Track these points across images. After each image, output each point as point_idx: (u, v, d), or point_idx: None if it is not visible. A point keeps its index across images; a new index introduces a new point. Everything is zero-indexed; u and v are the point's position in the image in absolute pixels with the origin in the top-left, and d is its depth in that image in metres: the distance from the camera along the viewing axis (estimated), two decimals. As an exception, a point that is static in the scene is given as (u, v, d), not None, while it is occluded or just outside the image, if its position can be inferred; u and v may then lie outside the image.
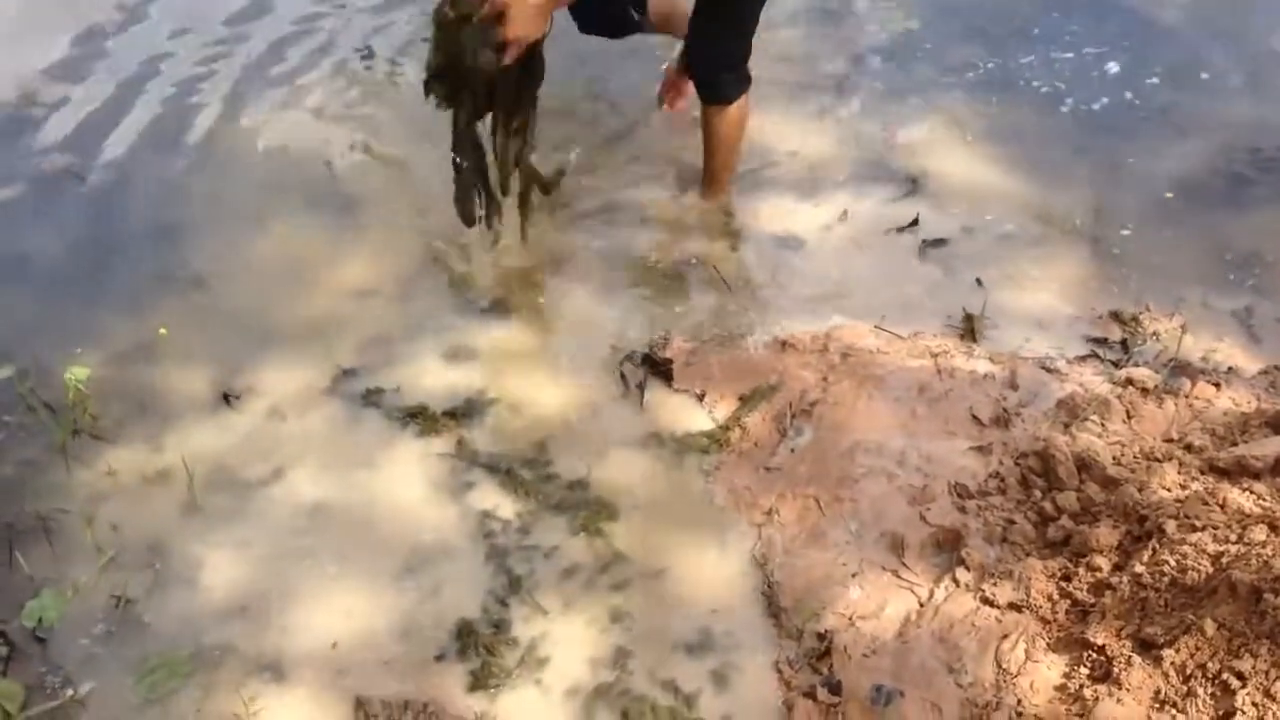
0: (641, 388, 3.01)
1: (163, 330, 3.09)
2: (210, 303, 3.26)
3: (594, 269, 3.40)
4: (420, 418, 2.90)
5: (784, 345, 3.17)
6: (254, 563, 2.57)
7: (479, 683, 2.34)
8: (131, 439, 2.85)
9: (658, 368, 3.07)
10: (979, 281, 3.34)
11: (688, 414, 2.96)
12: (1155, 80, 4.12)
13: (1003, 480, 2.69)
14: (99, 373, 2.93)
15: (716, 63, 3.32)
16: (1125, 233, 3.50)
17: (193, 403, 2.96)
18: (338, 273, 3.38)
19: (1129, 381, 2.94)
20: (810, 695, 2.29)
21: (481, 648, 2.39)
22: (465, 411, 2.92)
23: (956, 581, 2.46)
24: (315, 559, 2.58)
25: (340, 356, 3.07)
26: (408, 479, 2.78)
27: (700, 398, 3.00)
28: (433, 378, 3.03)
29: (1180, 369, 2.99)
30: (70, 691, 2.30)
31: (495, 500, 2.71)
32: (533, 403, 2.98)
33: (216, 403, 2.95)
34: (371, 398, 2.96)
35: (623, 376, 3.05)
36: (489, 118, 3.06)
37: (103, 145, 3.83)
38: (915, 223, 3.55)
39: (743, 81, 3.36)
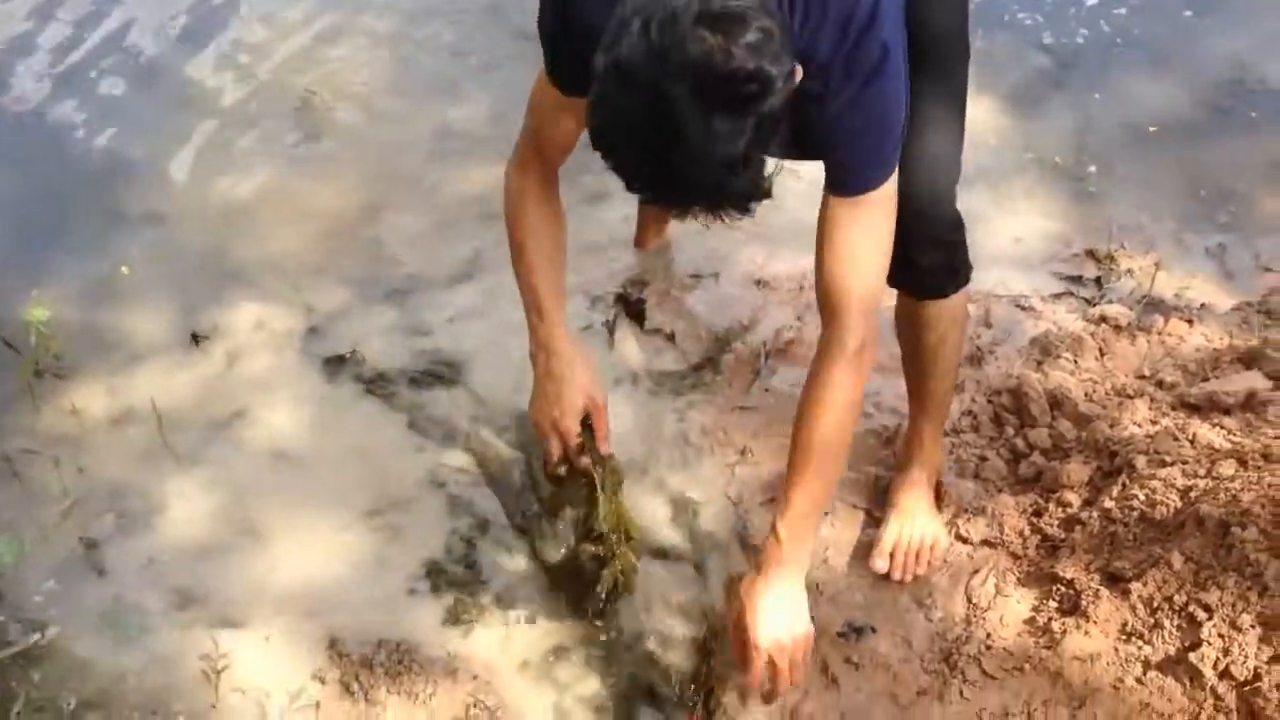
0: (610, 327, 2.99)
1: (124, 269, 3.05)
2: (171, 241, 3.21)
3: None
4: (385, 378, 2.86)
5: (759, 284, 3.15)
6: (221, 505, 2.55)
7: (451, 619, 2.34)
8: (96, 380, 2.81)
9: (630, 307, 3.05)
10: (954, 220, 3.31)
11: (660, 354, 2.94)
12: (1136, 13, 4.07)
13: (975, 418, 2.69)
14: (60, 313, 2.89)
15: (936, 224, 2.13)
16: (1103, 169, 3.48)
17: (158, 343, 2.92)
18: (305, 211, 3.33)
19: (1102, 319, 2.93)
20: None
21: (452, 586, 2.39)
22: (433, 359, 2.90)
23: (928, 518, 2.47)
24: (282, 501, 2.56)
25: (308, 297, 3.03)
26: (372, 426, 2.75)
27: (672, 338, 2.98)
28: (399, 327, 3.00)
29: (1153, 306, 2.99)
30: (36, 636, 2.29)
31: (460, 460, 2.68)
32: (501, 345, 2.95)
33: (183, 343, 2.92)
34: (337, 343, 2.93)
35: (594, 317, 3.03)
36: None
37: (56, 83, 3.75)
38: (892, 161, 3.51)
39: (968, 258, 2.25)
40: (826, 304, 1.87)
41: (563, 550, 2.20)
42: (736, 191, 1.49)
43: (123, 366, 2.86)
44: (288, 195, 3.39)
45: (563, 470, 2.08)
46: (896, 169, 1.81)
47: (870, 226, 1.81)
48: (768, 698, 2.08)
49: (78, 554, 2.44)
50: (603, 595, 2.22)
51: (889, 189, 1.81)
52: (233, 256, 3.17)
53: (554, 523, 2.19)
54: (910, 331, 2.32)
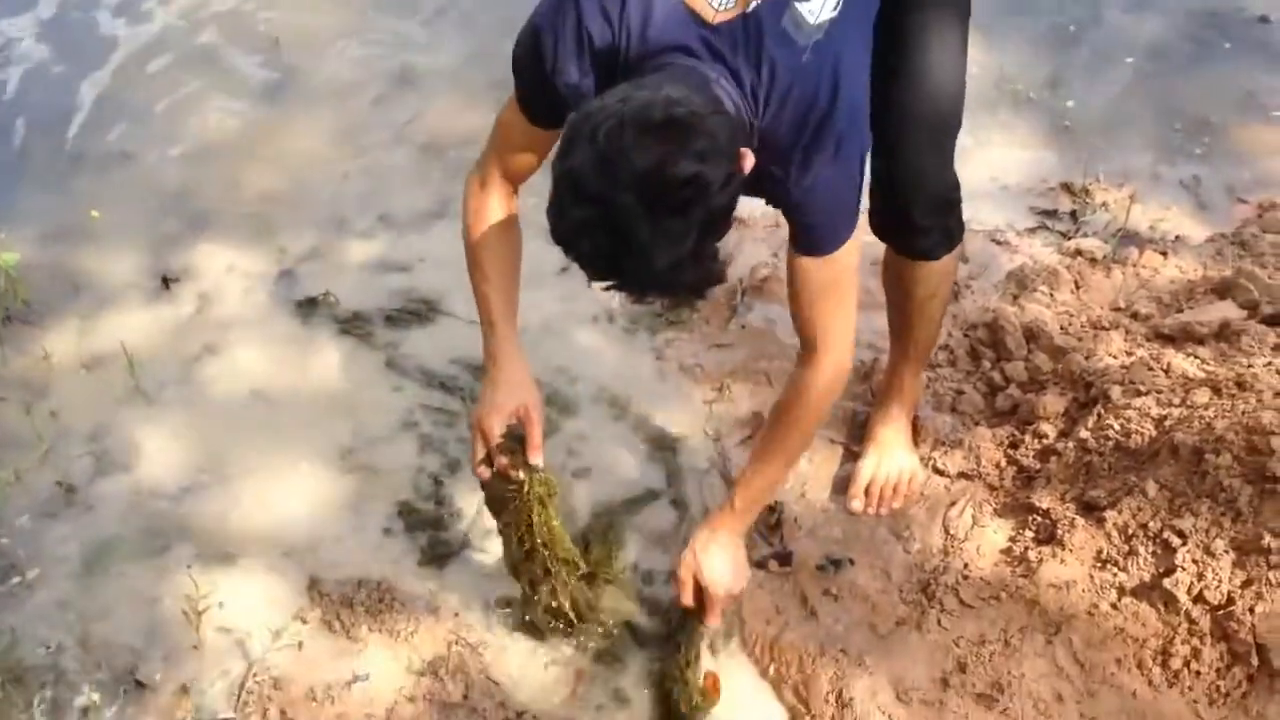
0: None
1: (94, 213, 3.01)
2: (139, 182, 3.17)
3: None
4: (360, 317, 2.83)
5: (735, 220, 3.13)
6: (197, 446, 2.54)
7: (426, 559, 2.34)
8: (67, 324, 2.79)
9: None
10: (929, 155, 3.30)
11: (637, 291, 2.93)
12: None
13: (952, 352, 2.70)
14: (29, 257, 2.86)
15: (935, 189, 2.16)
16: (1079, 103, 3.47)
17: (128, 286, 2.90)
18: (275, 152, 3.29)
19: (1078, 252, 2.94)
20: (761, 566, 2.31)
21: (426, 525, 2.39)
22: (409, 298, 2.88)
23: (905, 451, 2.48)
24: (258, 442, 2.56)
25: (280, 238, 3.00)
26: (349, 365, 2.74)
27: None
28: (370, 264, 2.97)
29: (1128, 239, 2.99)
30: (17, 578, 2.28)
31: (434, 392, 2.67)
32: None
33: (153, 286, 2.89)
34: (310, 285, 2.90)
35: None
36: None
37: (20, 24, 3.68)
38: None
39: (962, 219, 2.28)
40: (805, 343, 2.00)
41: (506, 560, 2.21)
42: (688, 284, 1.59)
43: (93, 310, 2.83)
44: (257, 136, 3.35)
45: (485, 472, 2.08)
46: (856, 227, 1.89)
47: (833, 281, 1.91)
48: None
49: (56, 497, 2.42)
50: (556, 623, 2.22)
51: (849, 246, 1.90)
52: (202, 197, 3.14)
53: (495, 524, 2.18)
54: (899, 286, 2.32)
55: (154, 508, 2.42)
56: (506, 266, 2.07)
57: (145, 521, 2.39)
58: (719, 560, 2.09)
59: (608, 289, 1.58)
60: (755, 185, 1.71)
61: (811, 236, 1.87)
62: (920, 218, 2.16)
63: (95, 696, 2.09)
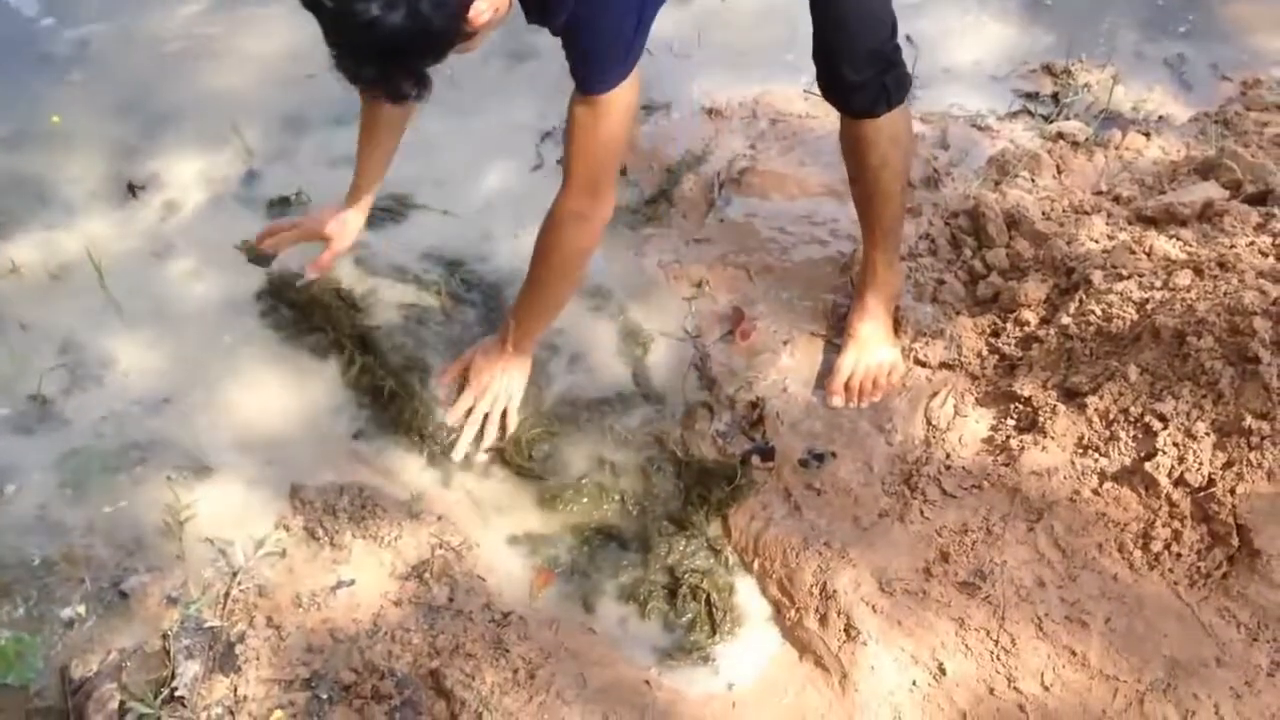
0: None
1: (55, 118, 2.93)
2: (102, 85, 3.08)
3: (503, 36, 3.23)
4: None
5: (710, 113, 3.08)
6: (170, 355, 2.51)
7: (411, 462, 2.34)
8: (33, 234, 2.73)
9: (580, 141, 2.97)
10: (909, 39, 3.22)
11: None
12: None
13: (933, 241, 2.67)
14: (-10, 167, 2.80)
15: (864, 44, 2.17)
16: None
17: (94, 194, 2.83)
18: (237, 50, 3.20)
19: (1059, 136, 2.90)
20: (744, 461, 2.31)
21: (411, 429, 2.37)
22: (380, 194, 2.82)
23: (886, 342, 2.46)
24: (231, 350, 2.52)
25: (246, 139, 2.93)
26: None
27: (624, 170, 2.91)
28: (337, 161, 2.89)
29: (1111, 120, 2.96)
30: (-4, 493, 2.27)
31: (413, 296, 2.63)
32: (449, 185, 2.88)
33: (119, 193, 2.83)
34: (278, 186, 2.84)
35: (545, 152, 2.96)
36: None
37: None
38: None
39: (903, 76, 2.24)
40: (563, 173, 2.13)
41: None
42: (400, 35, 1.65)
43: (60, 220, 2.77)
44: (218, 34, 3.25)
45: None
46: (629, 80, 1.98)
47: (591, 122, 2.01)
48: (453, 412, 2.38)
49: (31, 411, 2.39)
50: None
51: (622, 98, 1.99)
52: (165, 100, 3.06)
53: None
54: (852, 153, 2.32)
55: (130, 419, 2.39)
56: (390, 135, 2.36)
57: (122, 433, 2.37)
58: (492, 369, 2.35)
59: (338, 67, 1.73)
60: (540, 13, 1.91)
61: (576, 73, 1.98)
62: (851, 72, 2.17)
63: (81, 609, 2.09)
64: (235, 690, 1.95)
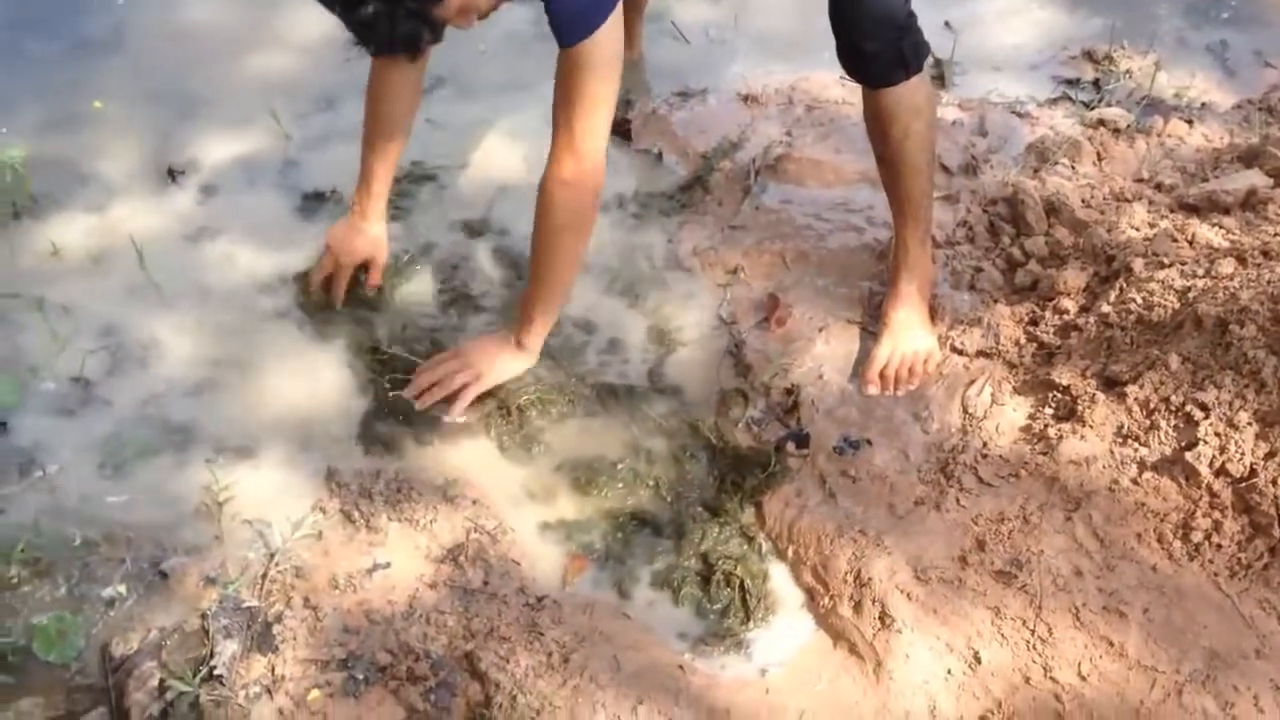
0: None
1: (97, 104, 2.95)
2: (142, 70, 3.10)
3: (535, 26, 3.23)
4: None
5: (746, 99, 3.07)
6: (210, 339, 2.53)
7: (446, 447, 2.35)
8: (75, 219, 2.75)
9: (615, 127, 2.95)
10: (947, 25, 3.21)
11: (648, 174, 2.88)
12: None
13: (971, 229, 2.65)
14: (33, 150, 2.82)
15: (878, 13, 2.18)
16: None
17: (134, 178, 2.86)
18: (272, 34, 3.22)
19: (1100, 122, 2.87)
20: (779, 449, 2.30)
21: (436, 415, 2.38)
22: (412, 179, 2.84)
23: (923, 330, 2.45)
24: (269, 335, 2.54)
25: (284, 124, 2.95)
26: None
27: (659, 156, 2.91)
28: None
29: (1153, 107, 2.92)
30: (39, 473, 2.29)
31: (444, 273, 2.65)
32: (481, 168, 2.89)
33: (159, 178, 2.85)
34: (315, 173, 2.86)
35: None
36: None
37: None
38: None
39: (920, 44, 2.23)
40: (551, 140, 2.11)
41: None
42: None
43: (101, 203, 2.80)
44: (256, 18, 3.27)
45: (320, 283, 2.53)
46: (610, 32, 1.99)
47: (576, 76, 2.01)
48: (414, 393, 2.37)
49: (73, 393, 2.42)
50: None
51: (602, 48, 1.99)
52: (205, 85, 3.08)
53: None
54: (875, 127, 2.32)
55: (170, 401, 2.41)
56: (395, 125, 2.39)
57: (162, 415, 2.39)
58: (481, 346, 2.35)
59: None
60: None
61: (553, 25, 1.99)
62: (865, 41, 2.19)
63: (121, 588, 2.11)
64: (273, 669, 1.96)
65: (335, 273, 2.52)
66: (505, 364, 2.35)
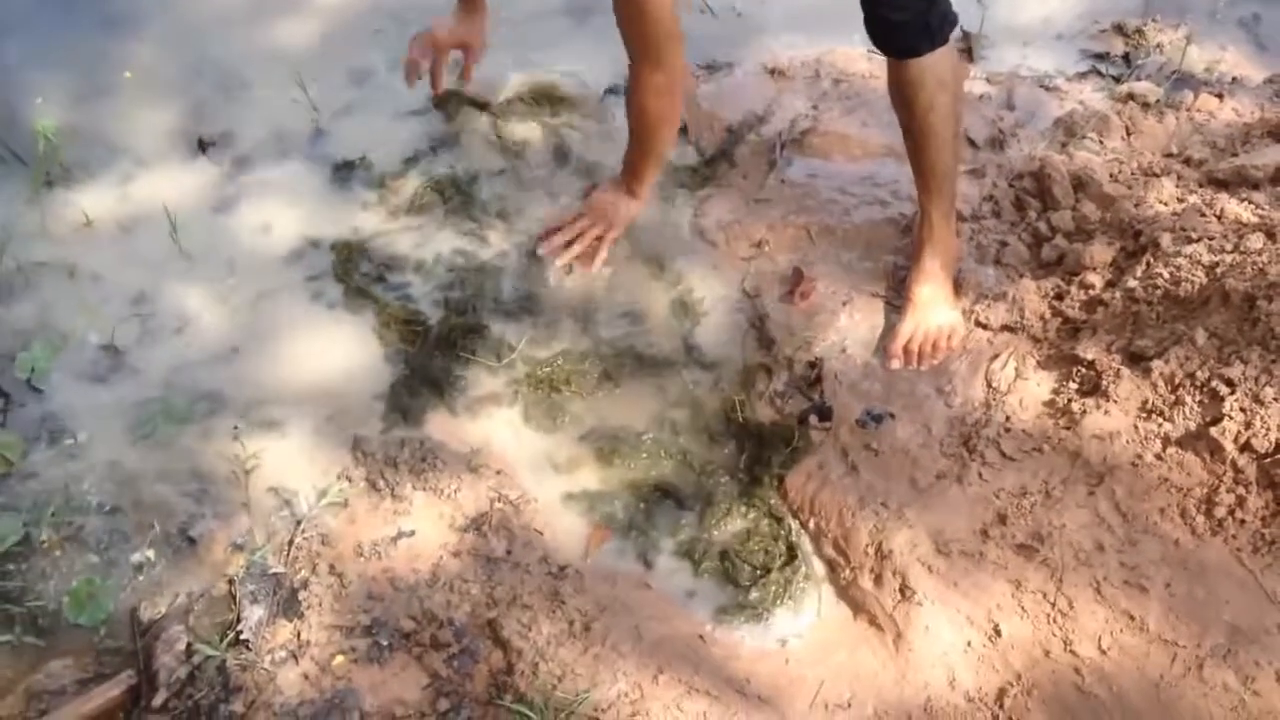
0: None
1: (128, 74, 2.97)
2: (172, 42, 3.11)
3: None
4: (388, 171, 2.82)
5: (773, 73, 3.06)
6: (239, 308, 2.55)
7: (471, 418, 2.37)
8: (106, 188, 2.78)
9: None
10: (977, -2, 3.19)
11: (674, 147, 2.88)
12: None
13: (997, 203, 2.64)
14: (65, 120, 2.84)
15: None
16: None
17: (165, 148, 2.88)
18: (307, 1, 3.22)
19: (1129, 96, 2.85)
20: (802, 421, 2.31)
21: (460, 383, 2.41)
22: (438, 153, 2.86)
23: (948, 304, 2.44)
24: (298, 306, 2.56)
25: (313, 95, 2.95)
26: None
27: (684, 130, 2.91)
28: (401, 114, 2.94)
29: (1183, 81, 2.89)
30: (69, 439, 2.32)
31: (470, 246, 2.67)
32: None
33: (190, 148, 2.87)
34: (345, 142, 2.88)
35: (606, 108, 2.95)
36: None
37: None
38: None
39: (947, 15, 2.22)
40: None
41: None
42: None
43: (132, 173, 2.82)
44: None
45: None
46: None
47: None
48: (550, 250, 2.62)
49: (103, 360, 2.45)
50: None
51: None
52: (234, 55, 3.08)
53: None
54: (900, 98, 2.31)
55: (200, 370, 2.44)
56: None
57: (192, 384, 2.42)
58: (602, 202, 2.63)
59: None
60: None
61: None
62: (892, 11, 2.18)
63: (150, 553, 2.15)
64: (298, 635, 1.99)
65: (437, 55, 2.59)
66: (627, 210, 2.62)
